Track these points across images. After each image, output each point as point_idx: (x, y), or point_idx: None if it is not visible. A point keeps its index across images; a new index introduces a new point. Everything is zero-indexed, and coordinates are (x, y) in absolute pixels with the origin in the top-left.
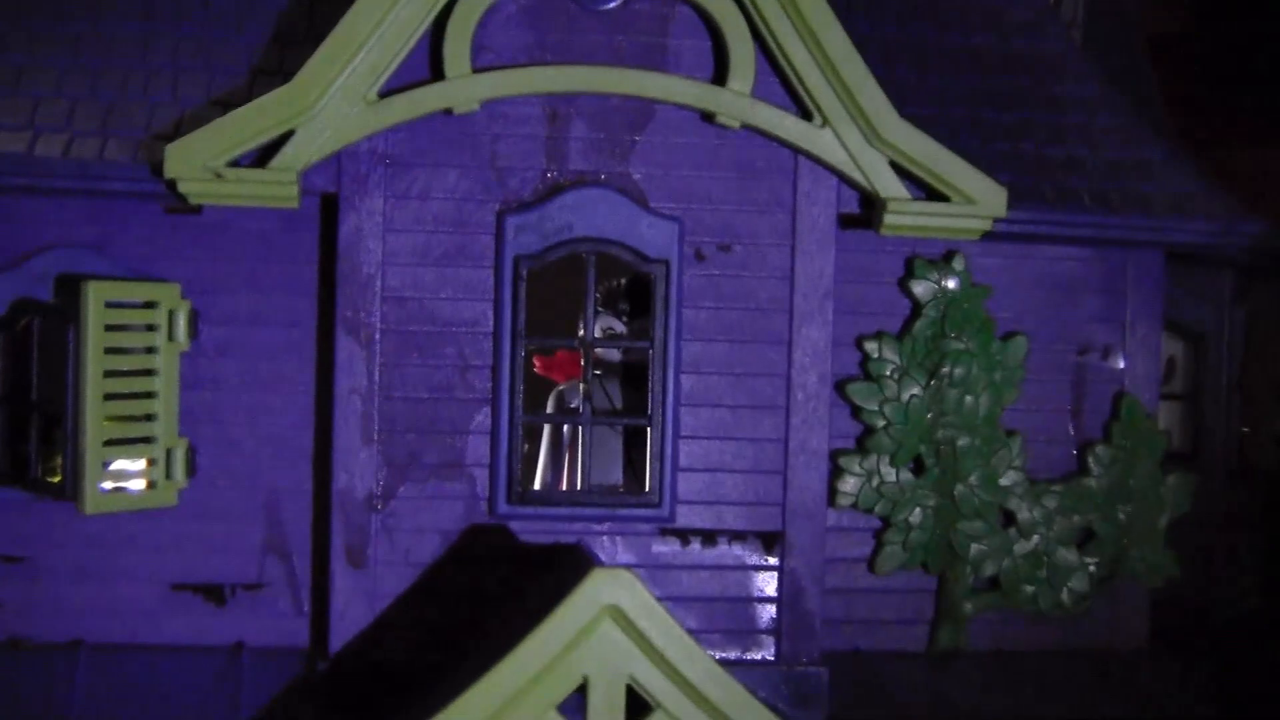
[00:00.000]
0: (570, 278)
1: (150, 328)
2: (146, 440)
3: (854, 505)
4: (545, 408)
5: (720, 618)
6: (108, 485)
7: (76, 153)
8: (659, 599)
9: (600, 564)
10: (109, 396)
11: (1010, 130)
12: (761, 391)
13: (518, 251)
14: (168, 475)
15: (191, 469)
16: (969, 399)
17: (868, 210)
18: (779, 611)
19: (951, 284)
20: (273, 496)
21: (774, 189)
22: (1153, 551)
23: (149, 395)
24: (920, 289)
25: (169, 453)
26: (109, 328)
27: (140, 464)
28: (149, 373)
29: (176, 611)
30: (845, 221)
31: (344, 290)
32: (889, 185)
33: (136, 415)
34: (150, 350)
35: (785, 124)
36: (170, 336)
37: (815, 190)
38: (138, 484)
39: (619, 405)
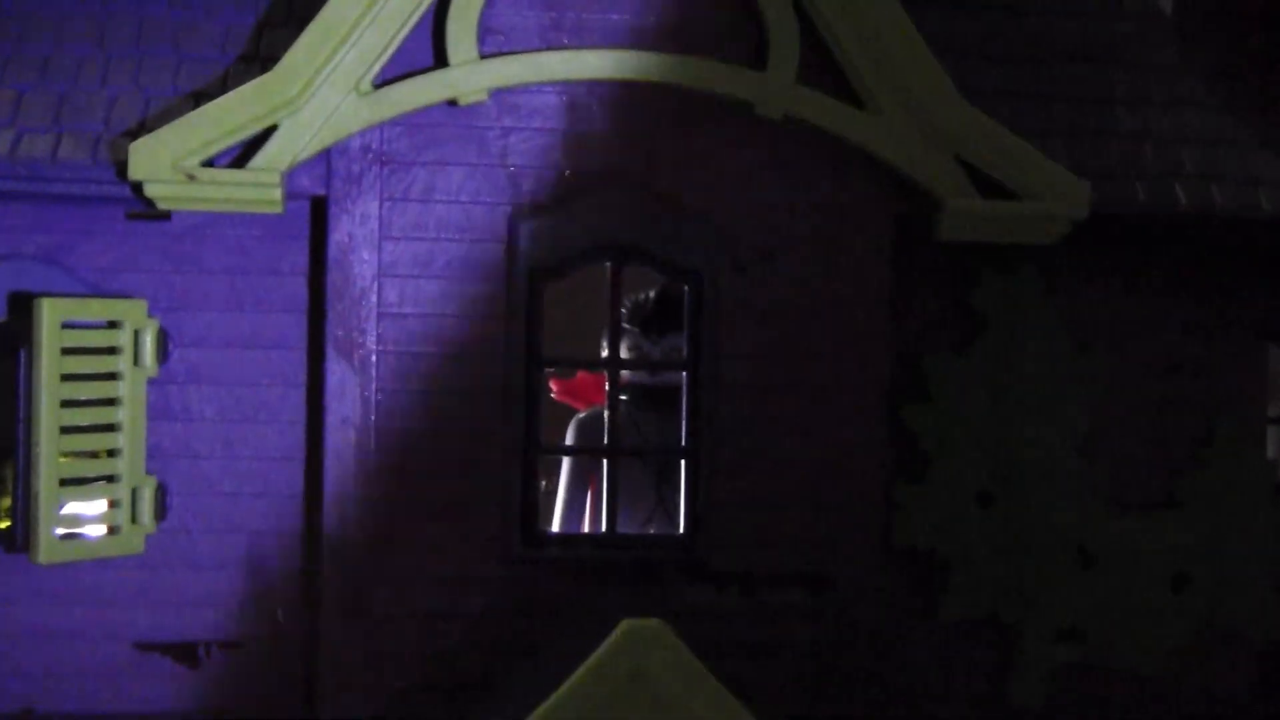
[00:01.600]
0: (592, 291)
1: (113, 351)
2: (109, 479)
3: (913, 543)
4: (564, 438)
5: (763, 672)
6: (63, 531)
7: (26, 152)
8: (694, 653)
9: (628, 615)
10: (66, 429)
11: (1096, 126)
12: (807, 417)
13: (533, 262)
14: (133, 519)
15: (160, 511)
16: (1042, 422)
17: (928, 210)
18: (828, 664)
19: (1023, 293)
20: (254, 542)
21: (822, 188)
22: (1257, 595)
23: (111, 428)
24: (987, 299)
25: (134, 493)
26: (66, 351)
27: (101, 506)
28: (111, 402)
29: (142, 674)
30: (902, 224)
31: (335, 306)
32: (952, 181)
33: (97, 451)
34: (113, 376)
35: (833, 113)
36: (136, 361)
37: (868, 188)
38: (98, 529)
39: (647, 435)
